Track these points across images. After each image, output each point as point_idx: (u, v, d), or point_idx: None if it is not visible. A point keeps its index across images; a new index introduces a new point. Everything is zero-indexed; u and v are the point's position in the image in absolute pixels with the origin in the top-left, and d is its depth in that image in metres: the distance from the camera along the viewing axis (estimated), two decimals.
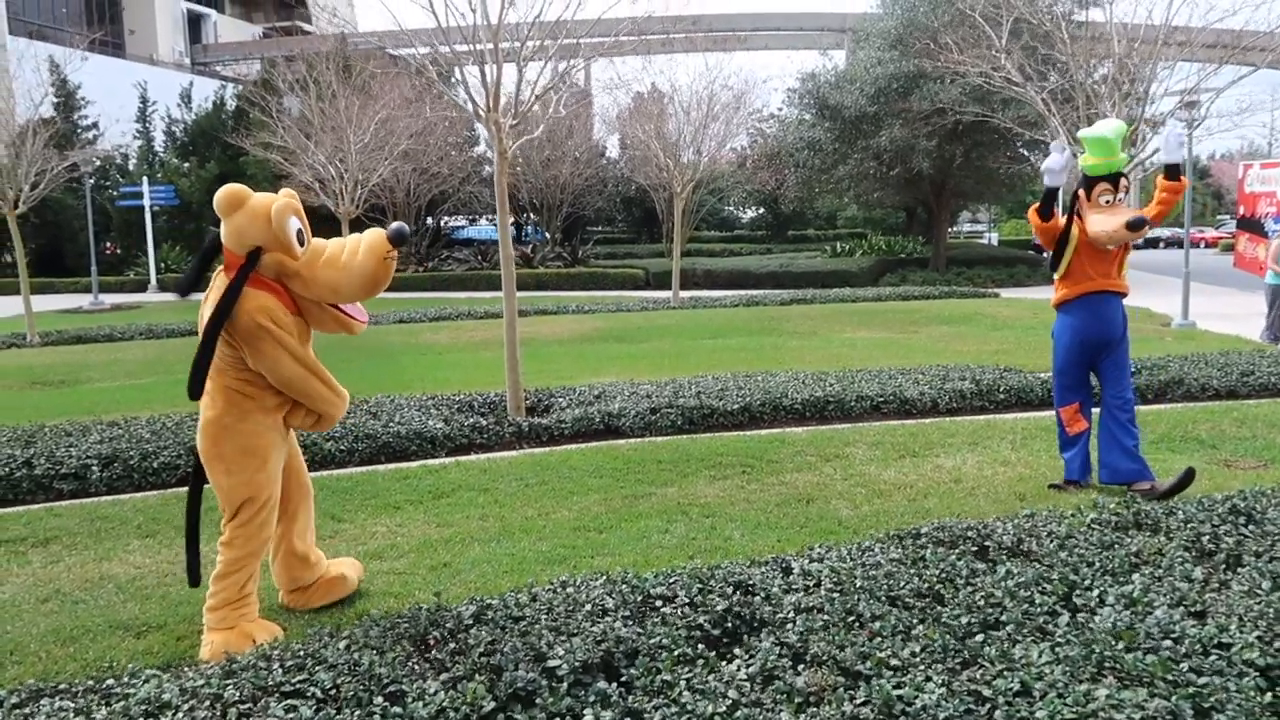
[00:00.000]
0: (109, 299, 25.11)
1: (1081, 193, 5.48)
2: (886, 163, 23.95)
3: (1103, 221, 5.29)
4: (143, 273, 28.88)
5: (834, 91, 24.48)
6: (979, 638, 3.03)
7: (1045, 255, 5.98)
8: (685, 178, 19.78)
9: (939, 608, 3.27)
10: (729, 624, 3.24)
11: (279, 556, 4.09)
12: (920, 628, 3.10)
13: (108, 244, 32.53)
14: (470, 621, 3.25)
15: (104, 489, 6.22)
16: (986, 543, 3.93)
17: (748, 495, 5.78)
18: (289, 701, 2.76)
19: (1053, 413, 5.92)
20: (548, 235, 32.34)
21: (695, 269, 25.47)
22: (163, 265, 29.19)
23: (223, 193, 3.57)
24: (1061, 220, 5.55)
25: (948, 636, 3.02)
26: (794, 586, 3.50)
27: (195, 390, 3.64)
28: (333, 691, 2.82)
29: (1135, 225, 5.13)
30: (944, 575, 3.53)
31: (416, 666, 2.94)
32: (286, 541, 4.07)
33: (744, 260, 28.17)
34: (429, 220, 31.77)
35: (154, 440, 6.77)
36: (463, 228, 37.60)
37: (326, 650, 3.09)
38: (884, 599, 3.35)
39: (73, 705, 2.84)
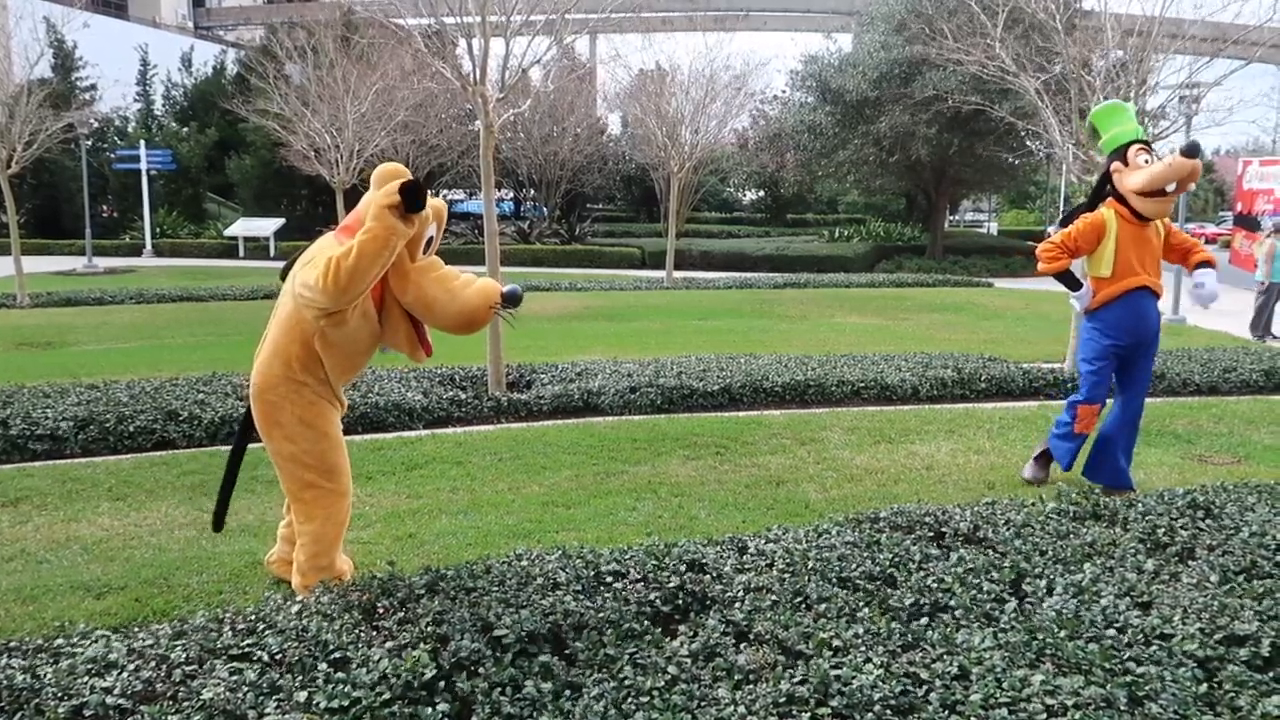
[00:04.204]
0: (103, 262, 25.05)
1: (1115, 168, 5.26)
2: (887, 149, 23.85)
3: (1147, 170, 5.07)
4: (138, 236, 28.80)
5: (836, 75, 24.35)
6: (924, 621, 3.06)
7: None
8: (683, 157, 19.71)
9: (889, 591, 3.30)
10: (679, 601, 3.27)
11: (289, 526, 3.95)
12: (866, 610, 3.12)
13: (104, 207, 32.42)
14: (422, 591, 3.27)
15: (79, 451, 6.23)
16: (943, 528, 3.96)
17: (719, 476, 5.80)
18: (235, 664, 2.79)
19: (1033, 404, 5.91)
20: (546, 211, 32.26)
21: (692, 250, 25.43)
22: (158, 229, 29.11)
23: (389, 167, 3.46)
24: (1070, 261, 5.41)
25: (892, 620, 3.05)
26: (746, 566, 3.53)
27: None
28: (279, 656, 2.84)
29: (1192, 150, 4.92)
30: (896, 559, 3.56)
31: (364, 634, 2.96)
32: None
33: (741, 243, 28.12)
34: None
35: (131, 404, 6.78)
36: (461, 201, 37.49)
37: (278, 615, 3.12)
38: (834, 580, 3.37)
39: (21, 663, 2.86)
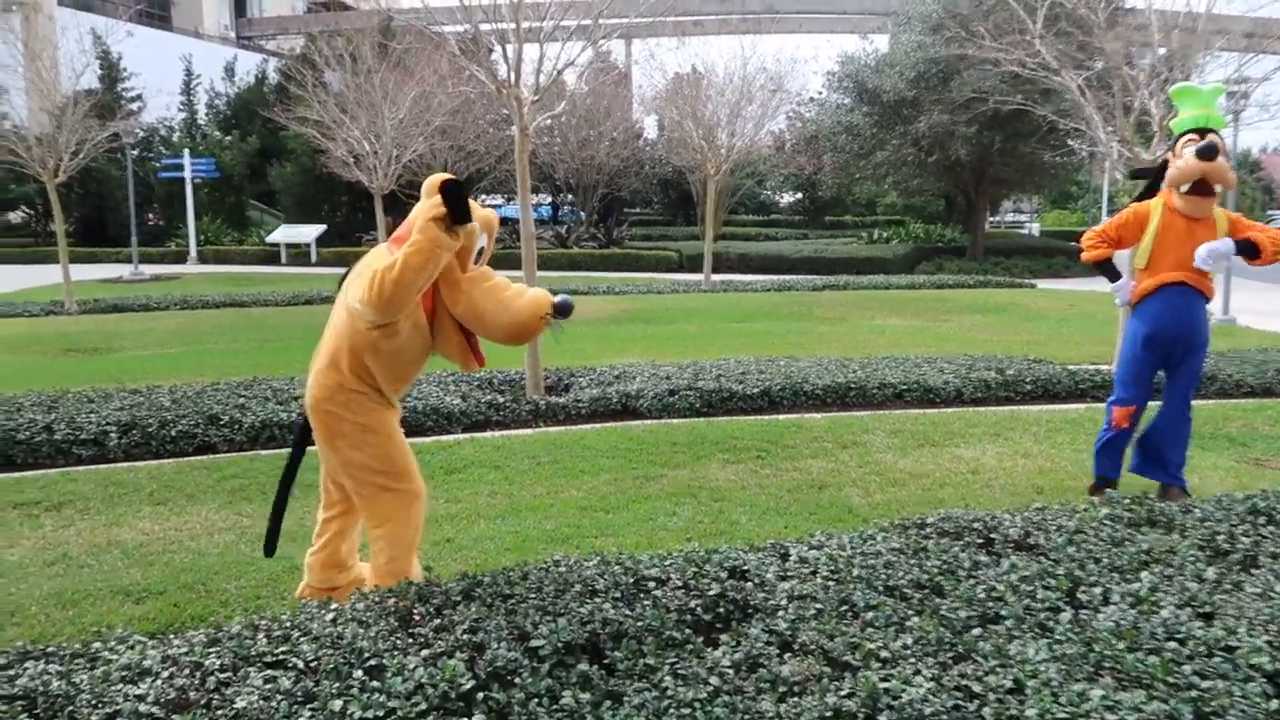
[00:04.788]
0: (149, 269, 25.44)
1: (1169, 157, 5.12)
2: (925, 149, 23.58)
3: (1174, 165, 4.99)
4: (183, 244, 29.23)
5: (873, 75, 24.12)
6: (975, 632, 2.94)
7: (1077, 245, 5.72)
8: (719, 160, 19.61)
9: (937, 600, 3.19)
10: (720, 609, 3.18)
11: (324, 551, 3.84)
12: (915, 620, 3.02)
13: (150, 215, 32.97)
14: (459, 598, 3.22)
15: (122, 455, 6.28)
16: (992, 535, 3.83)
17: (760, 480, 5.71)
18: (269, 672, 2.75)
19: (1080, 406, 5.77)
20: (583, 216, 32.29)
21: (729, 252, 25.30)
22: (202, 237, 29.51)
23: (439, 177, 3.37)
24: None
25: (943, 630, 2.94)
26: (789, 573, 3.43)
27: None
28: (313, 663, 2.80)
29: (1206, 151, 4.80)
30: (945, 567, 3.45)
31: (399, 641, 2.91)
32: (337, 540, 3.83)
33: (779, 245, 27.93)
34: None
35: (173, 409, 6.83)
36: (499, 206, 37.69)
37: (313, 622, 3.08)
38: (880, 589, 3.27)
39: (57, 669, 2.85)
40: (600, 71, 31.71)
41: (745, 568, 3.46)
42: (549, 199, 36.32)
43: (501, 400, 7.39)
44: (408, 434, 6.79)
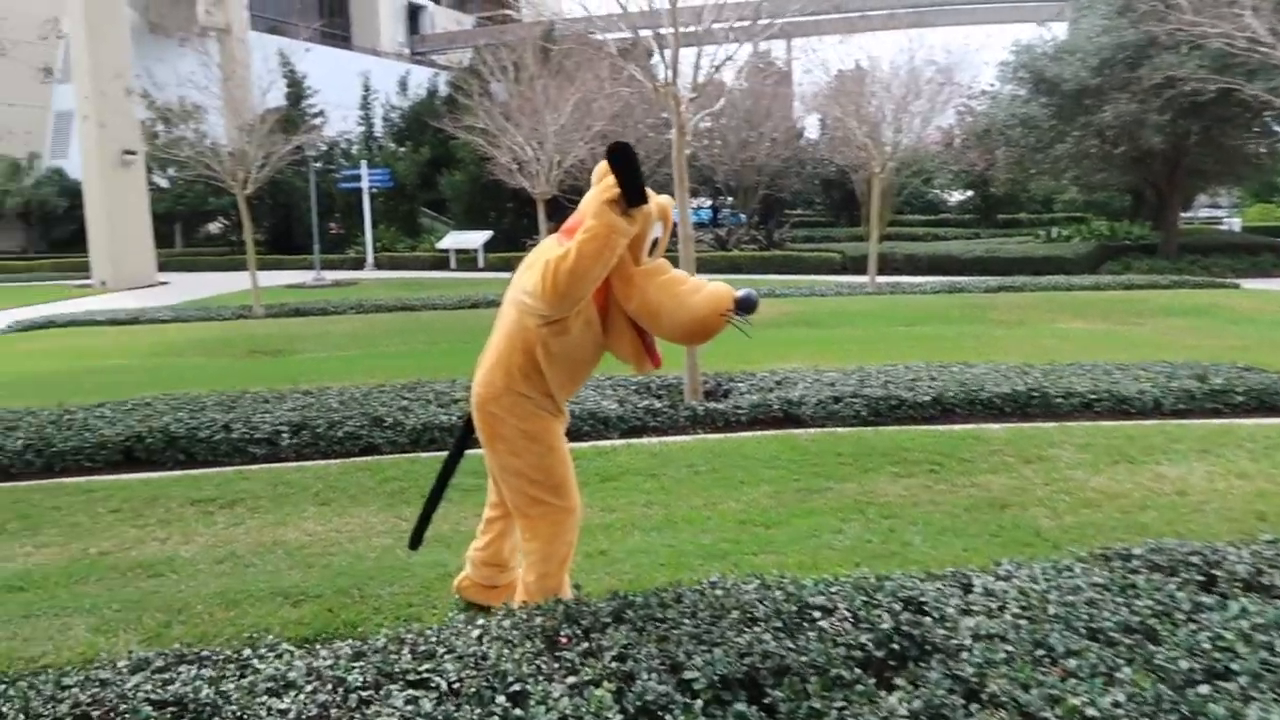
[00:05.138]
0: (330, 275, 26.79)
1: None
2: (1110, 141, 21.99)
3: None
4: (361, 251, 30.66)
5: (1052, 64, 22.70)
6: (1202, 689, 2.52)
7: None
8: (884, 158, 18.89)
9: (1151, 648, 2.76)
10: (894, 645, 2.86)
11: (487, 549, 3.76)
12: (1127, 670, 2.61)
13: (332, 224, 34.78)
14: (609, 620, 3.03)
15: (292, 455, 6.46)
16: (1215, 571, 3.33)
17: (934, 496, 5.29)
18: (411, 691, 2.63)
19: None
20: (743, 218, 31.95)
21: (895, 253, 24.37)
22: (378, 244, 30.88)
23: (600, 165, 3.20)
24: None
25: (1161, 685, 2.53)
26: (974, 608, 3.07)
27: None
28: (456, 685, 2.67)
29: None
30: (1159, 608, 3.00)
31: (544, 666, 2.74)
32: (500, 539, 3.74)
33: (948, 245, 26.72)
34: None
35: (341, 410, 6.99)
36: None
37: (458, 639, 2.95)
38: (1082, 631, 2.86)
39: (209, 674, 2.83)
40: (759, 71, 31.29)
41: (922, 599, 3.12)
42: (708, 202, 36.18)
43: (659, 405, 7.21)
44: (565, 438, 6.74)
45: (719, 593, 3.22)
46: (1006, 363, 8.74)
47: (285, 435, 6.52)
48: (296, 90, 33.78)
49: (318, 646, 3.03)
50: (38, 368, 11.36)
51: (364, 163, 30.54)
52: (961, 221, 38.25)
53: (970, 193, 39.81)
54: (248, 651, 2.98)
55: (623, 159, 3.02)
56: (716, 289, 3.17)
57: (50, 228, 38.83)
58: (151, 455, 6.41)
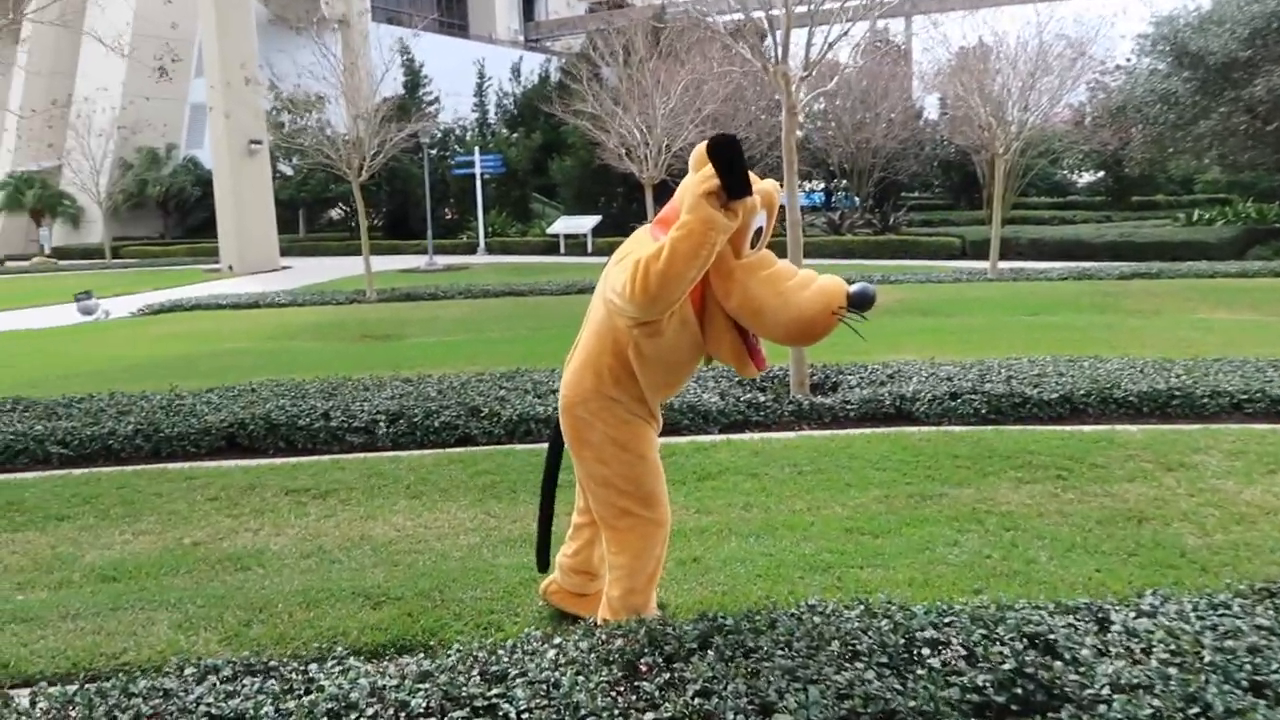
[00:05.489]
0: (442, 260, 27.21)
1: None
2: (1262, 116, 20.42)
3: None
4: (473, 236, 31.07)
5: (1196, 35, 21.20)
6: None
7: None
8: (1009, 138, 17.94)
9: None
10: (1017, 689, 2.51)
11: (576, 557, 3.56)
12: None
13: (446, 210, 35.39)
14: (694, 645, 2.76)
15: (389, 444, 6.40)
16: None
17: (1061, 506, 4.84)
18: None
19: None
20: (857, 201, 31.07)
21: (1019, 238, 23.24)
22: (490, 229, 31.25)
23: (697, 149, 2.92)
24: None
25: None
26: (1112, 649, 2.69)
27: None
28: (524, 714, 2.45)
29: None
30: None
31: (620, 698, 2.50)
32: (589, 547, 3.51)
33: (1077, 229, 25.34)
34: None
35: (438, 399, 6.91)
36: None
37: (532, 661, 2.74)
38: (1244, 685, 2.46)
39: (274, 688, 2.69)
40: (877, 50, 30.28)
41: (1051, 636, 2.75)
42: (822, 185, 35.35)
43: (762, 399, 6.88)
44: (663, 431, 6.47)
45: (817, 619, 2.92)
46: (1143, 357, 8.08)
47: (382, 424, 6.47)
48: (414, 79, 34.44)
49: (386, 663, 2.86)
50: (161, 351, 11.76)
51: (477, 149, 30.90)
52: (1091, 204, 36.35)
53: (1102, 174, 37.76)
54: (314, 667, 2.84)
55: (724, 153, 2.69)
56: (827, 283, 2.83)
57: (186, 215, 40.77)
58: (253, 442, 6.44)
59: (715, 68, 16.36)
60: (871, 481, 5.31)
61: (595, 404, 3.15)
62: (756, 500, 5.05)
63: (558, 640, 2.89)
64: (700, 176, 2.79)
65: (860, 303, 2.76)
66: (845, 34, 7.42)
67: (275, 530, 4.84)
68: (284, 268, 27.05)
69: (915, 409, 6.72)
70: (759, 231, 2.98)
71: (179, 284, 22.58)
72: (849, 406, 6.80)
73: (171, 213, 40.98)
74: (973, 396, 6.73)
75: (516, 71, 36.91)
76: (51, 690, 2.82)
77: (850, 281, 2.85)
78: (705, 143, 2.80)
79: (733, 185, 2.71)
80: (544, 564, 3.65)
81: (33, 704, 2.77)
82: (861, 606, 3.01)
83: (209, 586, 4.08)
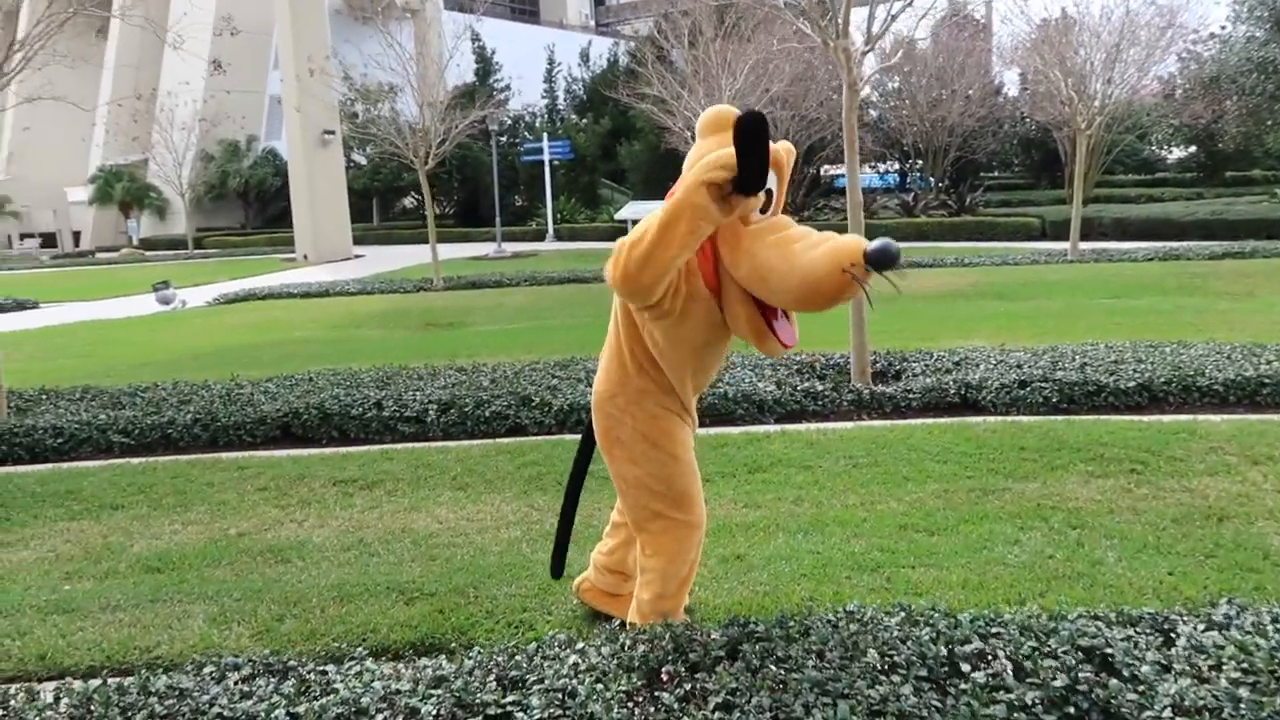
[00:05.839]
0: (510, 247, 27.36)
1: None
2: None
3: None
4: (542, 223, 31.19)
5: None
6: None
7: None
8: (1092, 113, 17.21)
9: None
10: (1069, 710, 2.31)
11: (611, 556, 3.43)
12: None
13: (516, 197, 35.58)
14: (720, 653, 2.62)
15: (440, 434, 6.36)
16: None
17: (1134, 503, 4.55)
18: None
19: None
20: (931, 181, 30.29)
21: (1102, 217, 22.35)
22: (559, 216, 31.32)
23: (718, 112, 2.76)
24: None
25: None
26: (1176, 666, 2.46)
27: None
28: None
29: None
30: None
31: (638, 709, 2.37)
32: (625, 547, 3.37)
33: (1165, 207, 24.26)
34: (806, 169, 31.05)
35: (490, 389, 6.85)
36: (844, 176, 36.43)
37: (550, 666, 2.62)
38: None
39: (290, 689, 2.63)
40: (954, 24, 29.42)
41: (1108, 650, 2.53)
42: (896, 166, 34.57)
43: (820, 388, 6.66)
44: (716, 421, 6.32)
45: (854, 626, 2.74)
46: (1231, 342, 7.62)
47: (433, 414, 6.43)
48: (485, 66, 34.64)
49: (404, 665, 2.78)
50: (230, 340, 12.00)
51: (545, 135, 30.96)
52: (1181, 181, 34.82)
53: (1193, 149, 36.13)
54: (333, 668, 2.77)
55: (751, 138, 2.44)
56: (842, 241, 2.53)
57: (266, 205, 41.79)
58: (307, 432, 6.47)
59: (777, 45, 16.01)
60: (930, 475, 5.07)
61: (624, 398, 3.01)
62: (808, 494, 4.86)
63: (580, 645, 2.77)
64: (711, 162, 2.56)
65: (881, 260, 2.42)
66: (908, 5, 7.11)
67: (319, 521, 4.82)
68: (357, 256, 27.50)
69: (981, 398, 6.43)
70: (771, 194, 2.74)
71: (255, 273, 23.08)
72: (911, 395, 6.54)
73: (252, 203, 42.05)
74: (1043, 384, 6.42)
75: (585, 57, 36.88)
76: (75, 685, 2.81)
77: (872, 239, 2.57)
78: (718, 112, 2.60)
79: (747, 177, 2.47)
80: (558, 570, 3.52)
81: (56, 700, 2.75)
82: (903, 613, 2.82)
83: (248, 579, 4.06)
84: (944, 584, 3.66)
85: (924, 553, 4.01)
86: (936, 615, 2.79)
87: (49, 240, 43.98)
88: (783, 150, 2.78)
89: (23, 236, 44.29)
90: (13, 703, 2.77)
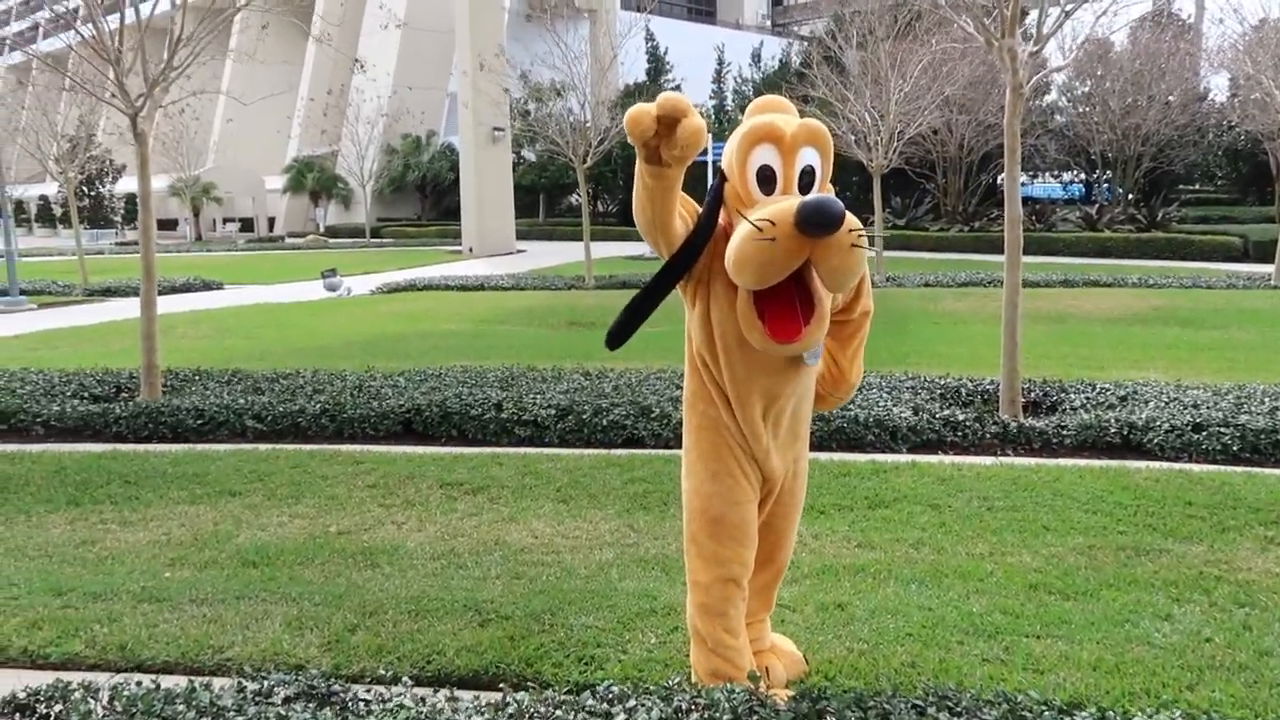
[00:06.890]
0: None
1: None
2: None
3: None
4: None
5: None
6: None
7: None
8: None
9: None
10: None
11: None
12: None
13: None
14: None
15: (556, 440, 6.22)
16: None
17: None
18: None
19: None
20: (1120, 193, 28.25)
21: None
22: None
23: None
24: None
25: None
26: None
27: (614, 337, 2.74)
28: None
29: None
30: None
31: None
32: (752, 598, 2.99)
33: None
34: (981, 177, 29.58)
35: (611, 396, 6.68)
36: (1023, 185, 34.57)
37: None
38: None
39: (329, 715, 2.49)
40: (1156, 24, 27.35)
41: None
42: (1081, 176, 32.54)
43: (962, 417, 6.14)
44: (843, 446, 5.92)
45: (943, 716, 2.36)
46: None
47: (550, 419, 6.30)
48: (657, 65, 34.79)
49: (441, 701, 2.59)
50: (381, 329, 12.35)
51: (710, 136, 30.78)
52: None
53: None
54: (376, 693, 2.62)
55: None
56: (768, 212, 2.36)
57: (440, 197, 43.46)
58: (428, 429, 6.48)
59: (959, 50, 15.20)
60: (1075, 526, 4.53)
61: (688, 391, 2.85)
62: (930, 538, 4.43)
63: (632, 701, 2.51)
64: (661, 104, 2.31)
65: (815, 221, 2.24)
66: (1083, 3, 6.47)
67: (418, 525, 4.75)
68: (519, 251, 28.09)
69: (1147, 440, 5.77)
70: (812, 173, 2.55)
71: (420, 264, 23.90)
72: (1065, 432, 5.94)
73: (428, 196, 43.82)
74: (1223, 429, 5.70)
75: (756, 57, 36.46)
76: (131, 688, 2.78)
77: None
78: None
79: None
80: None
81: (111, 700, 2.73)
82: (1006, 704, 2.42)
83: (333, 583, 4.01)
84: (1071, 662, 3.19)
85: (1054, 620, 3.53)
86: (1047, 712, 2.37)
87: (247, 225, 47.24)
88: (816, 126, 2.57)
89: (225, 221, 47.73)
90: (73, 698, 2.76)
